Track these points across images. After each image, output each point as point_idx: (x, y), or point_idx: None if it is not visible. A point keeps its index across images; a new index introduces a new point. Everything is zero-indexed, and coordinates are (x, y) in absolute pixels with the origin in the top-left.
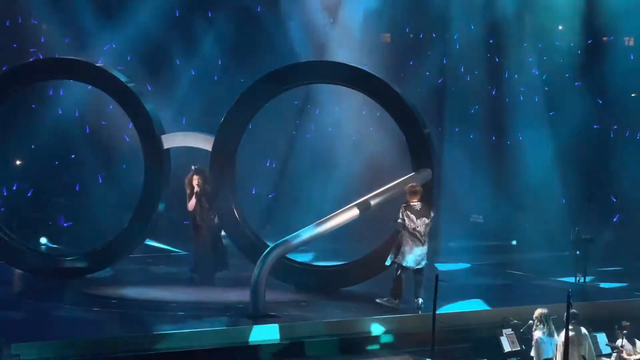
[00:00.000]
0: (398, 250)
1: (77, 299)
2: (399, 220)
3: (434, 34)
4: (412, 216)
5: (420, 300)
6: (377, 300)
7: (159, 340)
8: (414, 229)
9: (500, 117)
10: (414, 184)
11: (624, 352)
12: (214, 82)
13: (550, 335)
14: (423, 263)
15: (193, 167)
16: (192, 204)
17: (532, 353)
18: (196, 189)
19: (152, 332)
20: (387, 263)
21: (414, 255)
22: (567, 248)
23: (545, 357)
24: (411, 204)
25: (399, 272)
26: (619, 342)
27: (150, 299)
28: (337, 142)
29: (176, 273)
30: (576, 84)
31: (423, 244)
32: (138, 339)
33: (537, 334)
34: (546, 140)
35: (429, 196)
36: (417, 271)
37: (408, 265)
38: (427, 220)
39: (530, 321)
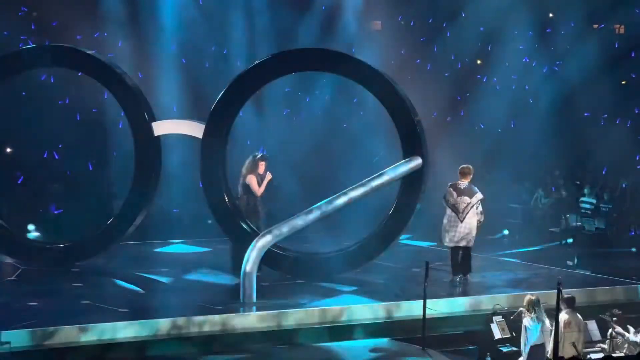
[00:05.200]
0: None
1: (69, 286)
2: (444, 196)
3: (426, 22)
4: (454, 193)
5: (457, 277)
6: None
7: (151, 326)
8: (453, 204)
9: (491, 105)
10: (465, 165)
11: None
12: (204, 69)
13: (538, 321)
14: (463, 242)
15: (258, 154)
16: (262, 189)
17: (521, 339)
18: (269, 175)
19: (145, 319)
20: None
21: (451, 232)
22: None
23: (532, 343)
24: (458, 182)
25: (450, 252)
26: (611, 331)
27: (146, 283)
28: (327, 130)
29: (165, 256)
30: (566, 70)
31: (461, 221)
32: (130, 325)
33: (525, 320)
34: (536, 128)
35: (420, 184)
36: (462, 249)
37: (445, 242)
38: (468, 199)
39: (521, 308)
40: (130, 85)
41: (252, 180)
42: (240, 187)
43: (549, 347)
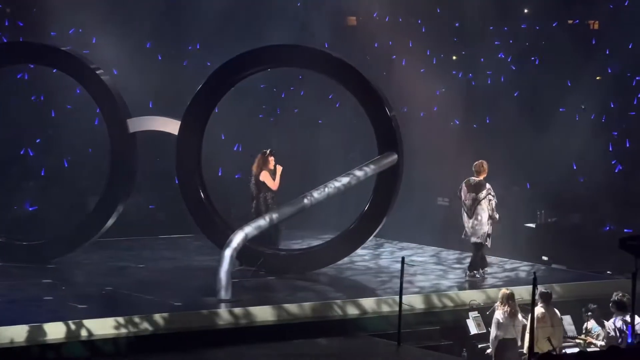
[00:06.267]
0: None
1: (37, 282)
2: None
3: (400, 17)
4: (465, 189)
5: (473, 272)
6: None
7: (125, 324)
8: (463, 201)
9: (467, 100)
10: (480, 161)
11: (593, 335)
12: (181, 66)
13: (512, 316)
14: (474, 238)
15: (267, 151)
16: (277, 182)
17: (491, 332)
18: (280, 168)
19: (122, 315)
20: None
21: (466, 227)
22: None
23: (504, 337)
24: (470, 178)
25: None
26: (586, 325)
27: (122, 283)
28: (303, 126)
29: (142, 255)
30: (541, 66)
31: (470, 217)
32: (111, 323)
33: (497, 313)
34: (511, 124)
35: (395, 180)
36: (475, 245)
37: (465, 238)
38: (474, 195)
39: (496, 304)
40: (104, 81)
41: (266, 176)
42: (254, 187)
43: (522, 342)
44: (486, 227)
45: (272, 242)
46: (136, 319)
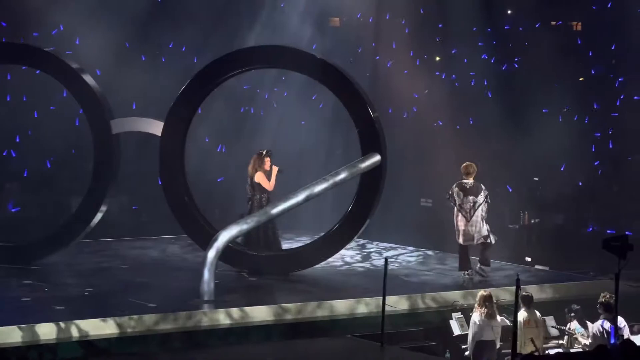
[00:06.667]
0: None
1: (18, 283)
2: (449, 195)
3: (384, 19)
4: (461, 192)
5: (472, 271)
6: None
7: (108, 325)
8: (460, 204)
9: (450, 101)
10: (469, 163)
11: (576, 335)
12: (164, 67)
13: (489, 317)
14: (479, 240)
15: (263, 151)
16: (272, 183)
17: (469, 334)
18: (276, 168)
19: (101, 317)
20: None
21: (464, 231)
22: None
23: (482, 339)
24: (463, 181)
25: (459, 248)
26: (569, 326)
27: (105, 284)
28: (286, 127)
29: (126, 256)
30: (524, 67)
31: (468, 220)
32: (93, 324)
33: (475, 315)
34: (495, 125)
35: (379, 181)
36: (481, 245)
37: (460, 241)
38: (475, 199)
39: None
40: (87, 82)
41: (261, 177)
42: (249, 187)
43: (500, 344)
44: (485, 226)
45: (270, 246)
46: (118, 320)
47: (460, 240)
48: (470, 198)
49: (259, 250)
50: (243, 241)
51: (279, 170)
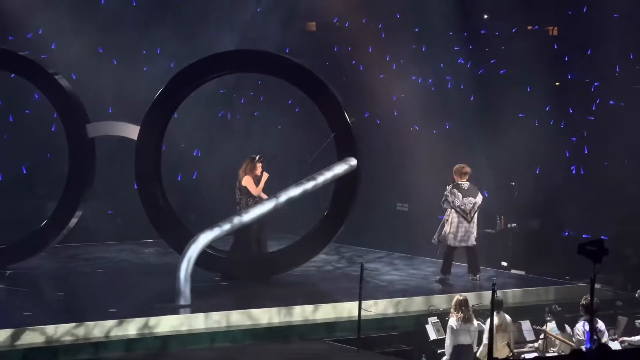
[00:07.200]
0: (442, 229)
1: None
2: (444, 197)
3: (360, 23)
4: (459, 194)
5: (478, 276)
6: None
7: (80, 329)
8: (459, 206)
9: (427, 106)
10: (463, 164)
11: (554, 335)
12: (140, 71)
13: (466, 322)
14: (470, 242)
15: (256, 156)
16: (260, 188)
17: (446, 339)
18: (266, 175)
19: (78, 322)
20: (433, 241)
21: (459, 232)
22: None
23: (459, 343)
24: (459, 183)
25: (446, 250)
26: (547, 326)
27: (80, 288)
28: (263, 131)
29: (101, 261)
30: (501, 72)
31: (469, 222)
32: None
33: (451, 320)
34: (472, 129)
35: (355, 185)
36: (469, 249)
37: (452, 243)
38: (473, 200)
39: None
40: (63, 86)
41: (248, 181)
42: (238, 191)
43: (477, 348)
44: (475, 230)
45: (259, 249)
46: (92, 325)
47: (451, 242)
48: (471, 199)
49: (247, 253)
50: (231, 244)
51: (267, 178)
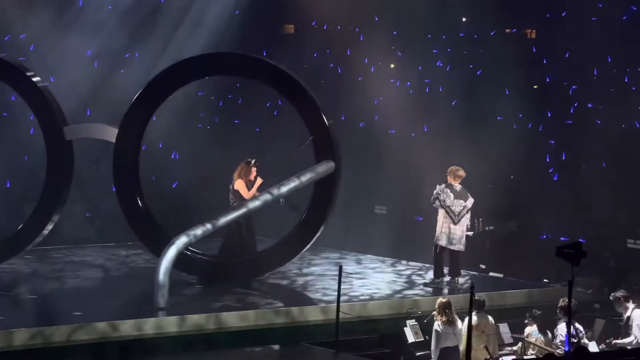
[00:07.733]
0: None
1: None
2: (435, 196)
3: (339, 26)
4: (451, 194)
5: (457, 279)
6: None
7: (60, 332)
8: (449, 206)
9: (405, 109)
10: (459, 167)
11: (535, 340)
12: (118, 73)
13: (450, 324)
14: (458, 246)
15: (251, 160)
16: (252, 193)
17: (432, 343)
18: (259, 180)
19: (57, 324)
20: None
21: (447, 234)
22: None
23: (445, 346)
24: (453, 184)
25: (437, 251)
26: (527, 330)
27: (57, 291)
28: (240, 133)
29: (79, 264)
30: (477, 73)
31: (455, 224)
32: (47, 331)
33: (436, 323)
34: (450, 132)
35: (333, 188)
36: (453, 252)
37: (442, 244)
38: (464, 203)
39: (433, 312)
40: (40, 89)
41: (241, 185)
42: (231, 194)
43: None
44: (464, 235)
45: (247, 250)
46: (69, 328)
47: (443, 243)
48: (461, 202)
49: (235, 255)
50: (219, 246)
51: (261, 184)
